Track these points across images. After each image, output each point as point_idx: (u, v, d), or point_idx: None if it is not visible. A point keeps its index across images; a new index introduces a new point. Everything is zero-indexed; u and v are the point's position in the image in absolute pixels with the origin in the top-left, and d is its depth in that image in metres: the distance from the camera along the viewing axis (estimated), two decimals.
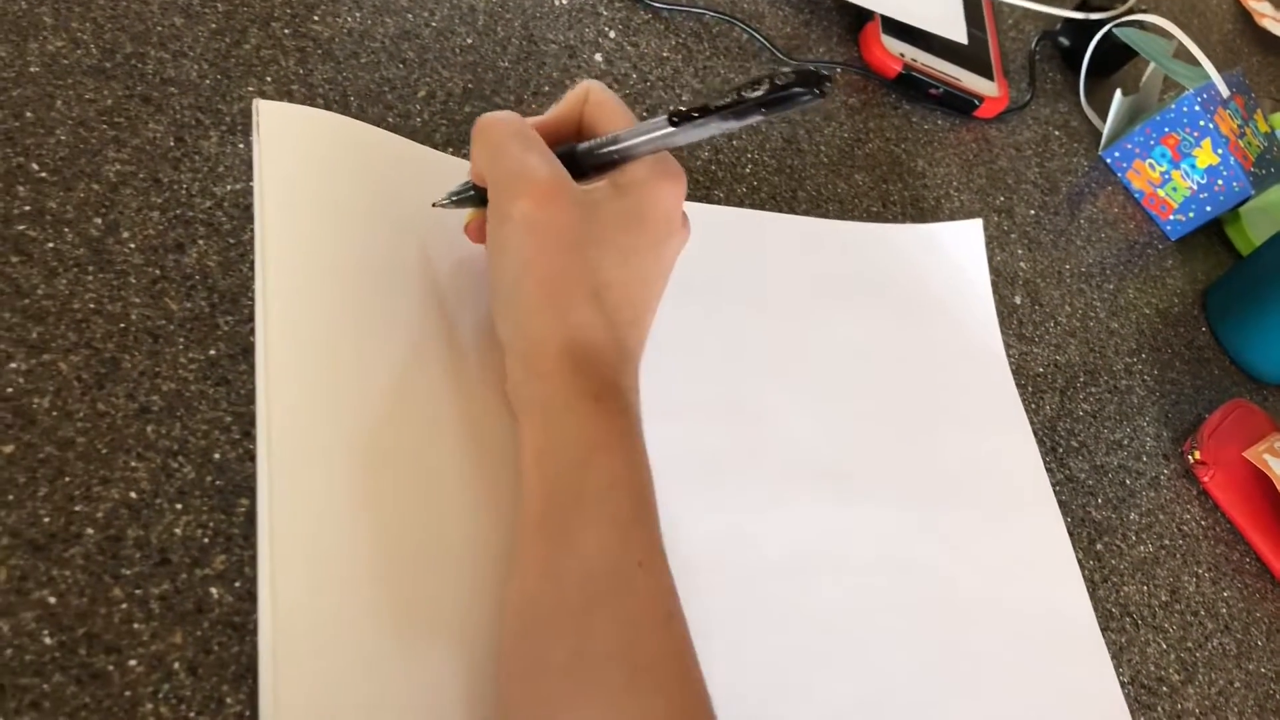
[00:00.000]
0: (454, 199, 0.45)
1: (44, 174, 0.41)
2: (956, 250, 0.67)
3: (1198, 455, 0.67)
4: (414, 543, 0.39)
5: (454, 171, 0.49)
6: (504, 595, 0.38)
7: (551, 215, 0.39)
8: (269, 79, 0.49)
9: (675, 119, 0.38)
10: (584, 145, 0.42)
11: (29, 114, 0.42)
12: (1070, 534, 0.59)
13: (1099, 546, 0.60)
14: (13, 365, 0.37)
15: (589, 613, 0.35)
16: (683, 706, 0.35)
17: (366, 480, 0.39)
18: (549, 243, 0.39)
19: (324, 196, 0.44)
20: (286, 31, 0.51)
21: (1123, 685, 0.55)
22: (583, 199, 0.40)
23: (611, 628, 0.35)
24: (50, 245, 0.40)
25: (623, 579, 0.36)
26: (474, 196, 0.44)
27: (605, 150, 0.41)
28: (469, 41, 0.56)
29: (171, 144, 0.45)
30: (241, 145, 0.46)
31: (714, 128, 0.37)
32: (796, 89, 0.34)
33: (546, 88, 0.57)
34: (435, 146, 0.51)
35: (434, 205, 0.46)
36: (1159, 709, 0.55)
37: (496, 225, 0.40)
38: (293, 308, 0.41)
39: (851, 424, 0.55)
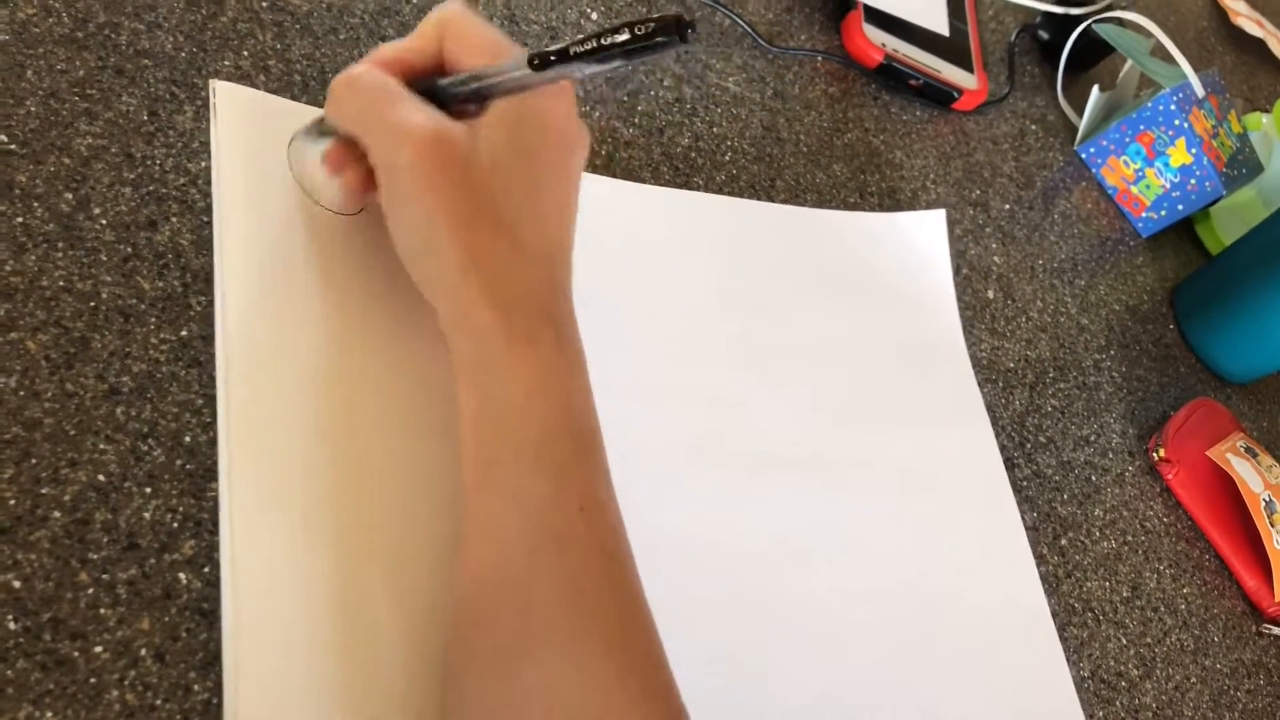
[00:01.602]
0: (317, 130, 0.43)
1: (13, 146, 0.40)
2: (919, 240, 0.67)
3: (1162, 453, 0.68)
4: (374, 521, 0.39)
5: None
6: (456, 557, 0.38)
7: (441, 164, 0.37)
8: (245, 53, 0.48)
9: (535, 62, 0.36)
10: (445, 81, 0.40)
11: None
12: (1036, 529, 0.59)
13: (1063, 542, 0.61)
14: None
15: (532, 565, 0.35)
16: (625, 647, 0.35)
17: (325, 462, 0.39)
18: (447, 193, 0.37)
19: (279, 182, 0.43)
20: (264, 4, 0.50)
21: (1082, 680, 0.55)
22: (469, 136, 0.38)
23: (554, 577, 0.35)
24: (19, 220, 0.39)
25: (564, 526, 0.36)
26: (330, 130, 0.42)
27: (468, 87, 0.39)
28: None
29: (145, 118, 0.44)
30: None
31: (576, 71, 0.36)
32: (659, 37, 0.32)
33: None
34: None
35: (290, 144, 0.44)
36: (1117, 703, 0.56)
37: (389, 189, 0.39)
38: (248, 291, 0.40)
39: (814, 414, 0.55)
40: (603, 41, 0.34)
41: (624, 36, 0.33)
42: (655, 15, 0.33)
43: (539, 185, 0.40)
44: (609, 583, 0.36)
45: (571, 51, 0.35)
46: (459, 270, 0.38)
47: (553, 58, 0.36)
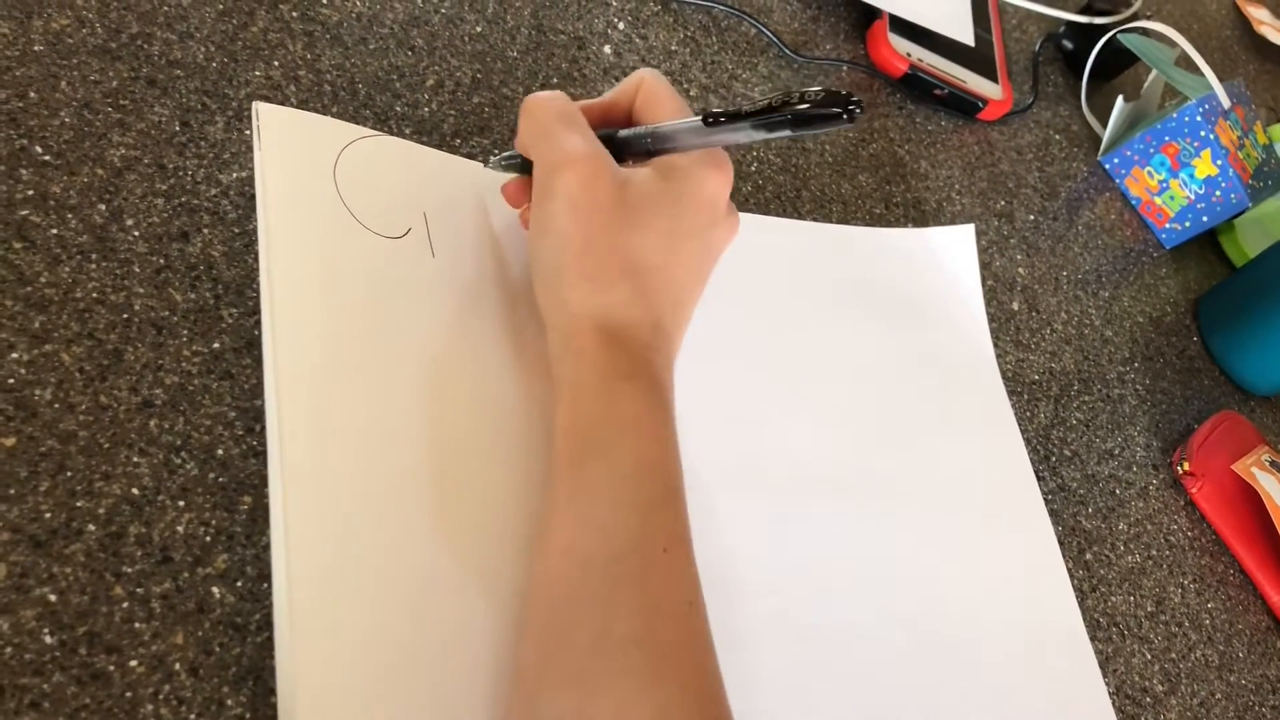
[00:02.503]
0: (504, 162, 0.46)
1: (47, 157, 0.41)
2: (948, 255, 0.66)
3: (1186, 466, 0.68)
4: (430, 535, 0.39)
5: (452, 169, 0.49)
6: (530, 571, 0.39)
7: (593, 192, 0.40)
8: (276, 63, 0.48)
9: (709, 119, 0.39)
10: (625, 131, 0.43)
11: (32, 94, 0.41)
12: (1061, 543, 0.59)
13: (1088, 556, 0.60)
14: (14, 355, 0.36)
15: (612, 596, 0.36)
16: (697, 695, 0.35)
17: (377, 476, 0.39)
18: (590, 219, 0.40)
19: (326, 200, 0.44)
20: (294, 14, 0.50)
21: (1108, 695, 0.55)
22: (625, 179, 0.41)
23: (634, 612, 0.35)
24: (54, 231, 0.39)
25: (647, 563, 0.36)
26: (521, 164, 0.45)
27: (643, 139, 0.42)
28: (478, 30, 0.56)
29: (177, 128, 0.44)
30: (248, 132, 0.45)
31: (744, 134, 0.38)
32: (831, 109, 0.34)
33: (555, 79, 0.57)
34: (443, 137, 0.51)
35: (486, 166, 0.47)
36: (1142, 719, 0.56)
37: (539, 201, 0.41)
38: (298, 312, 0.40)
39: (844, 432, 0.54)
40: (774, 105, 0.36)
41: (795, 103, 0.35)
42: (824, 89, 0.35)
43: (676, 240, 0.42)
44: (687, 627, 0.36)
45: (743, 111, 0.37)
46: (576, 291, 0.40)
47: (724, 117, 0.38)
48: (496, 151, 0.47)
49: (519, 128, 0.43)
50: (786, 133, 0.36)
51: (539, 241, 0.42)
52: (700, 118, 0.39)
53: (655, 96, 0.43)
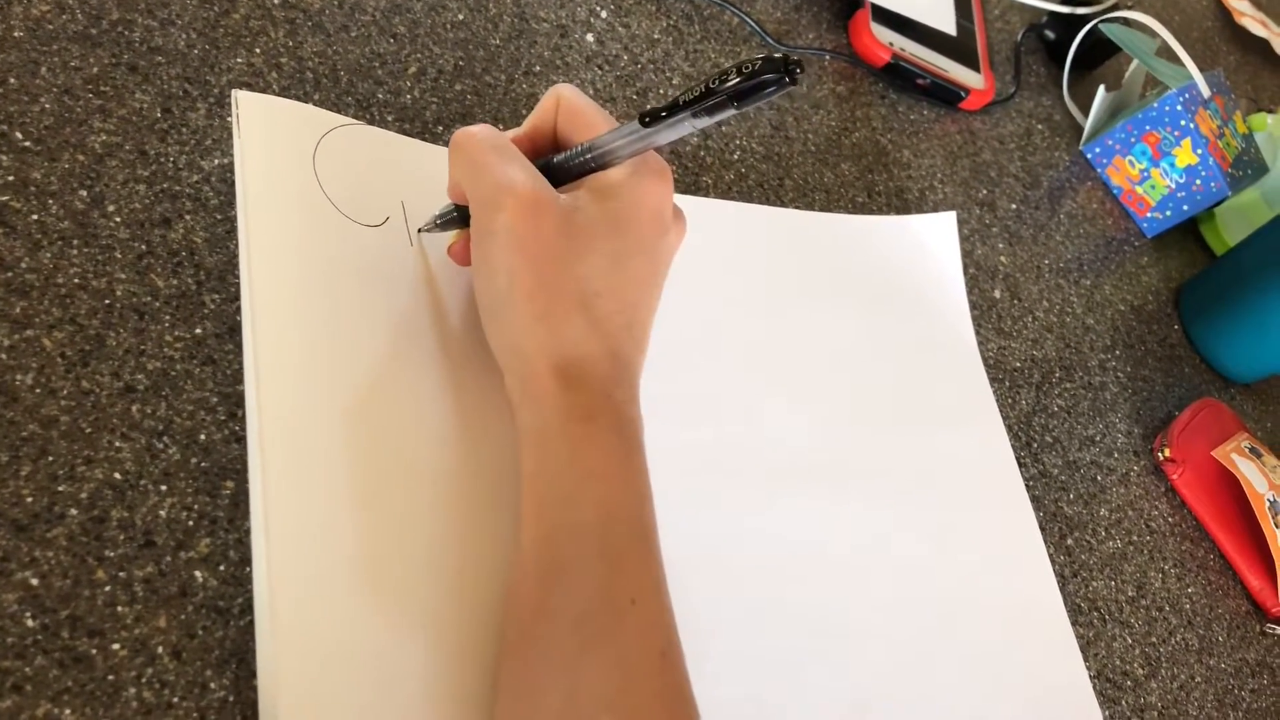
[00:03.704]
0: (439, 222, 0.45)
1: (28, 143, 0.40)
2: (930, 243, 0.67)
3: (1167, 453, 0.68)
4: (409, 521, 0.39)
5: (431, 159, 0.49)
6: (501, 627, 0.38)
7: (535, 226, 0.38)
8: (258, 50, 0.48)
9: (647, 119, 0.37)
10: (560, 156, 0.41)
11: (12, 80, 0.41)
12: (1042, 529, 0.59)
13: (1069, 542, 0.61)
14: None
15: (581, 656, 0.35)
16: None
17: (357, 464, 0.39)
18: (534, 255, 0.38)
19: (305, 188, 0.44)
20: (276, 1, 0.50)
21: (1089, 679, 0.56)
22: (566, 207, 0.39)
23: (604, 671, 0.35)
24: (34, 218, 0.39)
25: (615, 618, 0.35)
26: (457, 218, 0.44)
27: (582, 159, 0.40)
28: (460, 18, 0.56)
29: (158, 115, 0.44)
30: (229, 118, 0.45)
31: (687, 125, 0.36)
32: (766, 77, 0.33)
33: (538, 67, 0.57)
34: (425, 124, 0.51)
35: (419, 231, 0.45)
36: (1123, 703, 0.56)
37: (480, 241, 0.39)
38: (277, 300, 0.40)
39: (827, 420, 0.55)
40: (709, 87, 0.34)
41: (731, 81, 0.33)
42: (760, 57, 0.33)
43: (624, 260, 0.40)
44: (659, 682, 0.35)
45: (680, 102, 0.35)
46: (530, 335, 0.39)
47: (663, 114, 0.36)
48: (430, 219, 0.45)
49: (450, 166, 0.41)
50: (731, 111, 0.34)
51: (484, 283, 0.40)
52: (637, 120, 0.37)
53: (577, 111, 0.41)
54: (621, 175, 0.40)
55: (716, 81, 0.34)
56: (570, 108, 0.41)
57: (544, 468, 0.38)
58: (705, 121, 0.35)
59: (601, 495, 0.37)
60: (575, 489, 0.37)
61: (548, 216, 0.38)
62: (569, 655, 0.35)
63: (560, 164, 0.41)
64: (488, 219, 0.38)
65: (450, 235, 0.45)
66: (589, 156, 0.40)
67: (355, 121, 0.47)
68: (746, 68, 0.33)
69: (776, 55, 0.33)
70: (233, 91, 0.44)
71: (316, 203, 0.44)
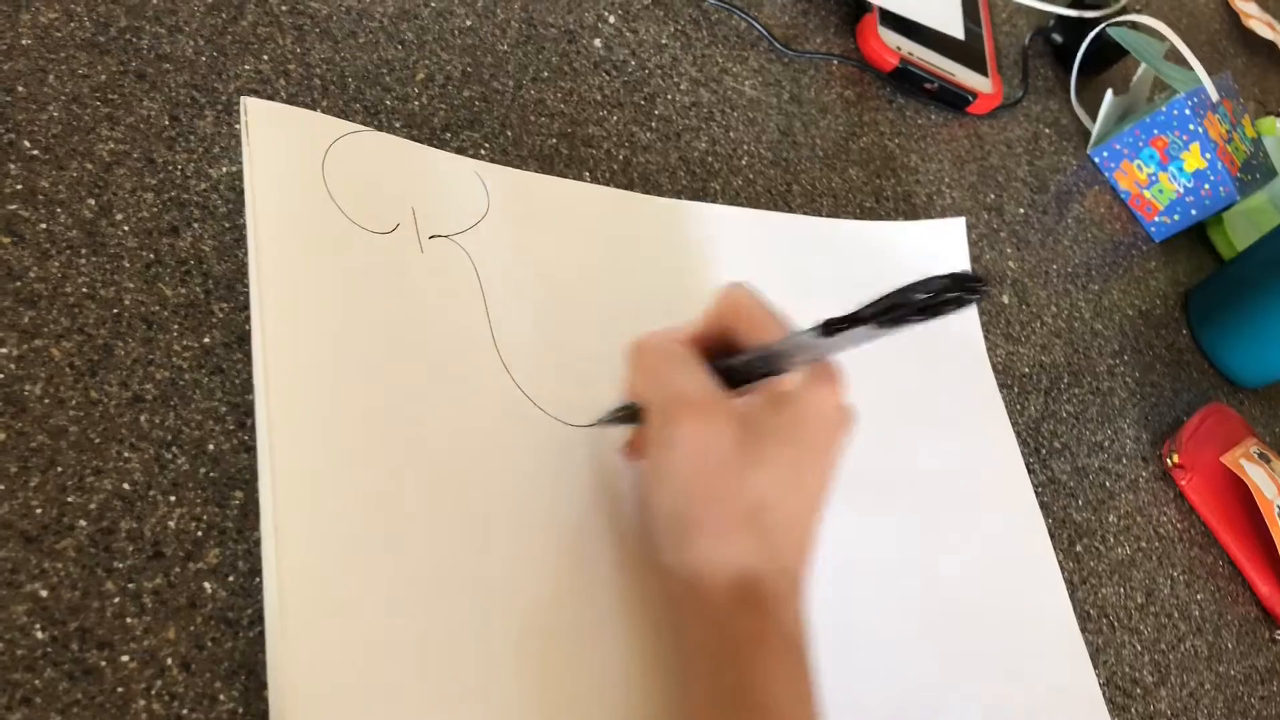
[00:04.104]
0: (613, 417, 0.44)
1: (36, 151, 0.40)
2: (939, 248, 0.67)
3: (1176, 459, 0.68)
4: (419, 530, 0.39)
5: (443, 167, 0.49)
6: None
7: (714, 439, 0.38)
8: (265, 57, 0.48)
9: (830, 328, 0.36)
10: (736, 360, 0.40)
11: (20, 89, 0.41)
12: (1051, 535, 0.59)
13: (1078, 548, 0.61)
14: (3, 350, 0.36)
15: None
16: None
17: (367, 471, 0.39)
18: (712, 468, 0.38)
19: (314, 196, 0.43)
20: (284, 8, 0.50)
21: (1098, 686, 0.55)
22: (740, 416, 0.38)
23: None
24: (43, 226, 0.39)
25: None
26: (628, 415, 0.44)
27: (758, 363, 0.40)
28: (468, 24, 0.55)
29: (166, 123, 0.44)
30: (238, 126, 0.45)
31: (867, 335, 0.36)
32: (951, 294, 0.33)
33: (545, 73, 0.57)
34: (433, 130, 0.51)
35: (592, 425, 0.46)
36: (1133, 710, 0.56)
37: (657, 449, 0.39)
38: (287, 308, 0.40)
39: None
40: (897, 302, 0.34)
41: (920, 298, 0.33)
42: (946, 274, 0.32)
43: (799, 470, 0.40)
44: None
45: (862, 315, 0.35)
46: (703, 551, 0.38)
47: (845, 324, 0.36)
48: (606, 414, 0.45)
49: (629, 373, 0.41)
50: (913, 324, 0.34)
51: (656, 492, 0.40)
52: (820, 327, 0.36)
53: (752, 313, 0.41)
54: (798, 382, 0.39)
55: (903, 297, 0.33)
56: (745, 309, 0.41)
57: (719, 701, 0.37)
58: (887, 332, 0.35)
59: None
60: (746, 711, 0.36)
61: (724, 427, 0.38)
62: None
63: (738, 367, 0.40)
64: (664, 429, 0.38)
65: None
66: (766, 360, 0.39)
67: (364, 128, 0.47)
68: (935, 285, 0.33)
69: (963, 273, 0.32)
70: (241, 98, 0.44)
71: (326, 210, 0.44)
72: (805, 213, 0.62)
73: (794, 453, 0.39)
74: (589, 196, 0.53)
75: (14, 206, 0.39)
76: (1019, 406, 0.64)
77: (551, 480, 0.44)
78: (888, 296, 0.34)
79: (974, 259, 0.69)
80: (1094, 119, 0.85)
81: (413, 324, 0.44)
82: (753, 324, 0.40)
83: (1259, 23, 1.15)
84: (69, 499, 0.35)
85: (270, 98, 0.47)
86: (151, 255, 0.41)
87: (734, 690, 0.37)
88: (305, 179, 0.44)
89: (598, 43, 0.60)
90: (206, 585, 0.36)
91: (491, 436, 0.43)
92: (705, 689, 0.38)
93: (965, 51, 0.77)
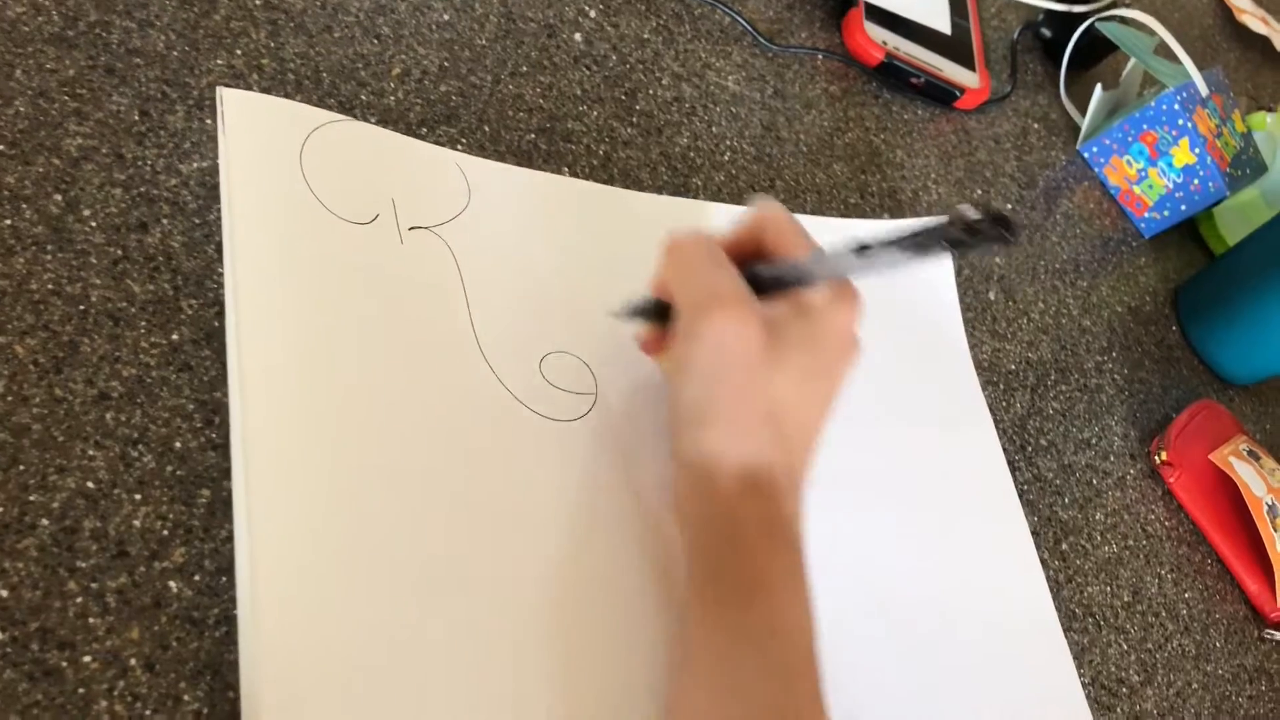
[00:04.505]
0: (632, 311, 0.46)
1: (1, 147, 0.40)
2: None
3: (1164, 456, 0.68)
4: (395, 527, 0.39)
5: (421, 156, 0.48)
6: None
7: (740, 334, 0.39)
8: (239, 52, 0.47)
9: (861, 251, 0.37)
10: (766, 269, 0.41)
11: None
12: (1036, 534, 0.59)
13: (1064, 546, 0.60)
14: None
15: None
16: None
17: (343, 466, 0.39)
18: (736, 361, 0.39)
19: (292, 186, 0.43)
20: (258, 2, 0.49)
21: (1083, 686, 0.55)
22: (768, 321, 0.40)
23: None
24: (7, 222, 0.39)
25: None
26: (653, 310, 0.45)
27: (787, 275, 0.41)
28: (445, 18, 0.55)
29: (136, 118, 0.43)
30: (209, 121, 0.45)
31: (895, 259, 0.36)
32: (987, 232, 0.33)
33: (525, 67, 0.56)
34: (409, 125, 0.50)
35: (611, 315, 0.47)
36: (1118, 710, 0.56)
37: (685, 342, 0.40)
38: (262, 301, 0.40)
39: None
40: (929, 231, 0.34)
41: (953, 229, 0.34)
42: (983, 215, 0.33)
43: (812, 380, 0.41)
44: None
45: (893, 241, 0.36)
46: (721, 441, 0.40)
47: (875, 248, 0.37)
48: (623, 303, 0.46)
49: (661, 267, 0.43)
50: (942, 254, 0.35)
51: (683, 383, 0.41)
52: (854, 249, 0.38)
53: (783, 228, 0.42)
54: (821, 297, 0.41)
55: (937, 229, 0.34)
56: (778, 223, 0.42)
57: (720, 576, 0.39)
58: (911, 258, 0.36)
59: (774, 610, 0.38)
60: (749, 601, 0.38)
61: (752, 325, 0.39)
62: None
63: (764, 276, 0.41)
64: (695, 323, 0.39)
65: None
66: (795, 274, 0.41)
67: (344, 117, 0.46)
68: (970, 218, 0.33)
69: (1000, 212, 0.33)
70: (218, 88, 0.43)
71: (304, 201, 0.43)
72: (788, 209, 0.61)
73: (812, 361, 0.41)
74: (571, 190, 0.53)
75: None
76: (1005, 404, 0.64)
77: (531, 474, 0.43)
78: (920, 225, 0.35)
79: (960, 255, 0.68)
80: (1083, 114, 0.85)
81: (392, 316, 0.43)
82: (782, 239, 0.42)
83: (1252, 17, 1.15)
84: (31, 498, 0.35)
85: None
86: (119, 251, 0.40)
87: (735, 567, 0.38)
88: (282, 169, 0.43)
89: (578, 37, 0.60)
90: (172, 584, 0.36)
91: (471, 431, 0.43)
92: (707, 565, 0.39)
93: (952, 46, 0.76)
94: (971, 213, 0.33)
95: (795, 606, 0.39)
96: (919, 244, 0.35)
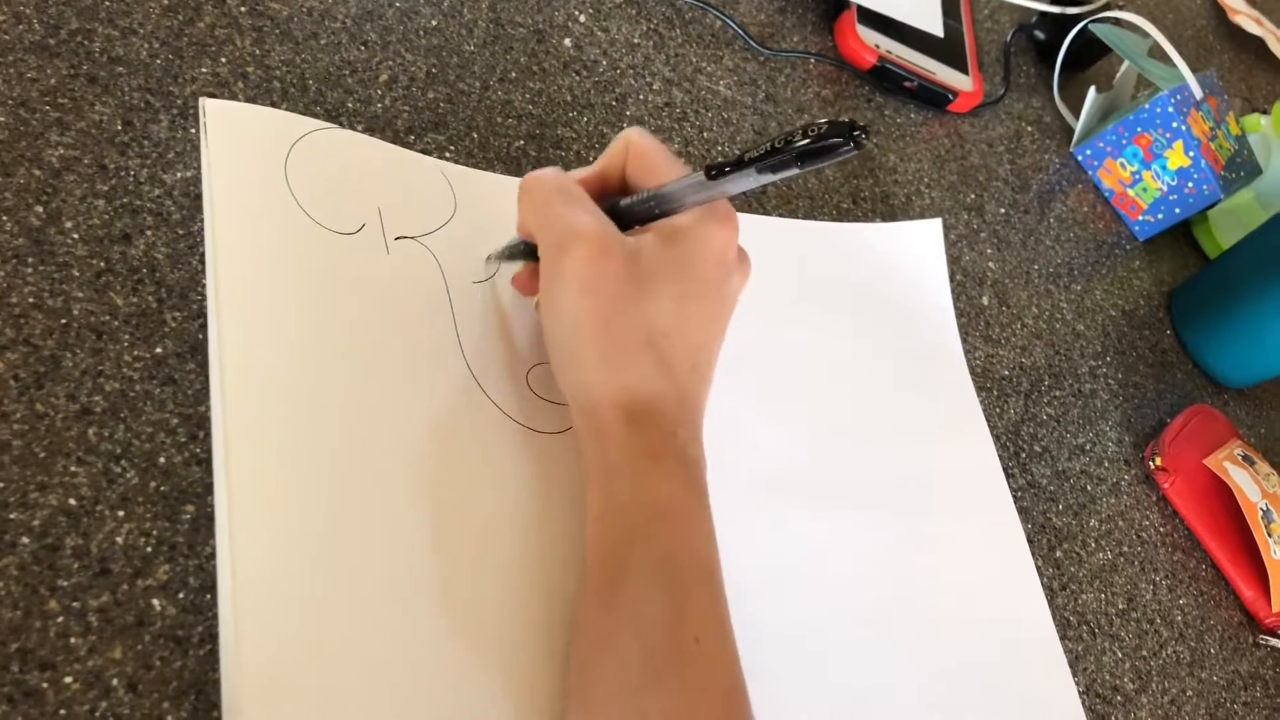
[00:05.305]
0: (506, 253, 0.46)
1: None
2: (916, 250, 0.66)
3: (1158, 461, 0.67)
4: (380, 542, 0.38)
5: (407, 165, 0.48)
6: (570, 663, 0.39)
7: (601, 268, 0.39)
8: (223, 59, 0.47)
9: (713, 172, 0.37)
10: (626, 200, 0.41)
11: None
12: (1030, 541, 0.58)
13: (1059, 554, 0.60)
14: None
15: (646, 690, 0.35)
16: None
17: (327, 477, 0.38)
18: (601, 296, 0.39)
19: (276, 197, 0.43)
20: (243, 9, 0.49)
21: (1079, 693, 0.55)
22: (632, 250, 0.40)
23: (669, 707, 0.35)
24: None
25: (681, 654, 0.36)
26: (524, 250, 0.45)
27: (649, 205, 0.41)
28: (434, 24, 0.55)
29: (119, 128, 0.43)
30: (193, 130, 0.44)
31: (751, 180, 0.37)
32: (833, 140, 0.33)
33: (514, 73, 0.56)
34: (396, 133, 0.50)
35: (486, 260, 0.47)
36: (1114, 717, 0.56)
37: (548, 283, 0.40)
38: (246, 313, 0.39)
39: (807, 431, 0.54)
40: (776, 146, 0.35)
41: (801, 141, 0.34)
42: (827, 120, 0.34)
43: (689, 304, 0.41)
44: (723, 718, 0.36)
45: (746, 159, 0.36)
46: (597, 375, 0.40)
47: (728, 168, 0.37)
48: (494, 250, 0.47)
49: (519, 209, 0.42)
50: (794, 170, 0.35)
51: (553, 324, 0.41)
52: (703, 172, 0.38)
53: (647, 157, 0.42)
54: (687, 220, 0.40)
55: (783, 141, 0.35)
56: (639, 152, 0.42)
57: (611, 505, 0.39)
58: (770, 178, 0.36)
59: (668, 533, 0.38)
60: (642, 526, 0.38)
61: (614, 259, 0.39)
62: (634, 689, 0.35)
63: (627, 208, 0.41)
64: (555, 262, 0.39)
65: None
66: (655, 203, 0.41)
67: (329, 125, 0.46)
68: (813, 130, 0.34)
69: (843, 120, 0.34)
70: (200, 99, 0.43)
71: (289, 211, 0.43)
72: (780, 214, 0.61)
73: (687, 285, 0.40)
74: None
75: None
76: (999, 409, 0.64)
77: (516, 484, 0.43)
78: (769, 141, 0.35)
79: (954, 260, 0.68)
80: (1077, 117, 0.84)
81: (377, 326, 0.43)
82: (647, 168, 0.42)
83: (1246, 18, 1.14)
84: (11, 515, 0.34)
85: (228, 100, 0.46)
86: (102, 264, 0.40)
87: (629, 495, 0.39)
88: (267, 179, 0.43)
89: (568, 42, 0.59)
90: (155, 602, 0.35)
91: (457, 443, 0.42)
92: (600, 497, 0.39)
93: (945, 49, 0.76)
94: (819, 122, 0.34)
95: (689, 528, 0.39)
96: (772, 161, 0.35)
